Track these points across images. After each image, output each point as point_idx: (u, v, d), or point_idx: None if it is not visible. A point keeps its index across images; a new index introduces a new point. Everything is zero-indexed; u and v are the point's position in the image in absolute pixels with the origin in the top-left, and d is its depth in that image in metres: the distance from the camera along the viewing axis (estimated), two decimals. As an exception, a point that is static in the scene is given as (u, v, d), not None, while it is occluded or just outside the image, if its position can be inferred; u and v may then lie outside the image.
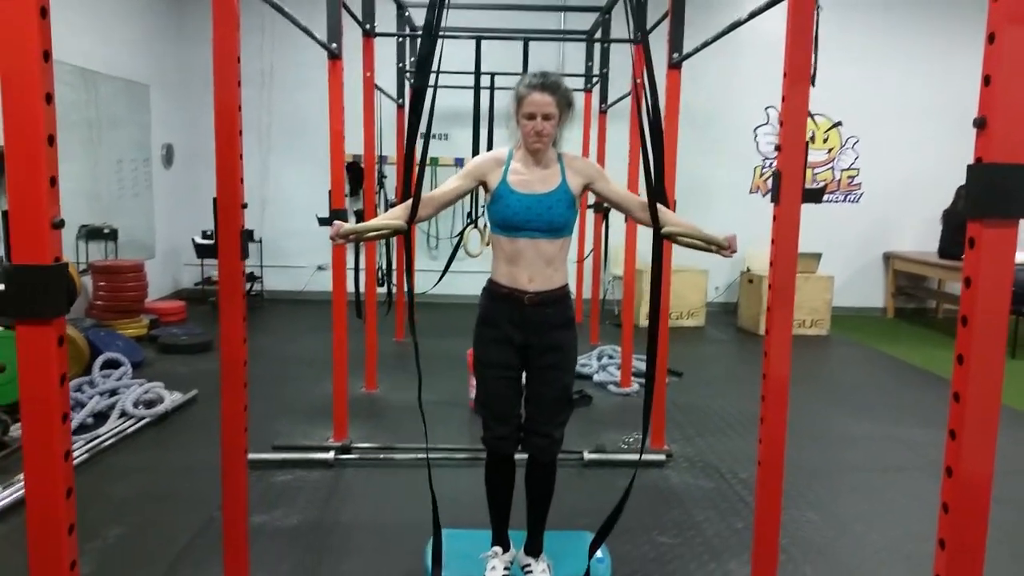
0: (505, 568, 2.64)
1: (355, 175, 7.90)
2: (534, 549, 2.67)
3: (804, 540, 3.15)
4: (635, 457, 3.90)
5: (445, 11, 2.31)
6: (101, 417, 4.23)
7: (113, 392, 4.44)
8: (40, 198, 1.43)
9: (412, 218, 2.37)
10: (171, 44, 8.26)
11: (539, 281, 2.46)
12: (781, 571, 2.57)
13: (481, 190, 2.57)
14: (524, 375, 2.58)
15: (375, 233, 2.41)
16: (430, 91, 2.40)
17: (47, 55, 1.43)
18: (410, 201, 2.38)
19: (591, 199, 6.28)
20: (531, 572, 2.63)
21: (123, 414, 4.24)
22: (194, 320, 7.22)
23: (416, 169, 2.50)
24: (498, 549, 2.67)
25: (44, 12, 1.42)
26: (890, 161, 8.72)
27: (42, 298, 1.45)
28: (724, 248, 2.34)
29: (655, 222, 2.35)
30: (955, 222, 7.93)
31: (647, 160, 2.25)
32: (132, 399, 4.30)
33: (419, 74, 2.30)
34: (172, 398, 4.51)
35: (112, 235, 6.78)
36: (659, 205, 2.35)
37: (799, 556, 3.00)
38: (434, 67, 2.35)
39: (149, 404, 4.40)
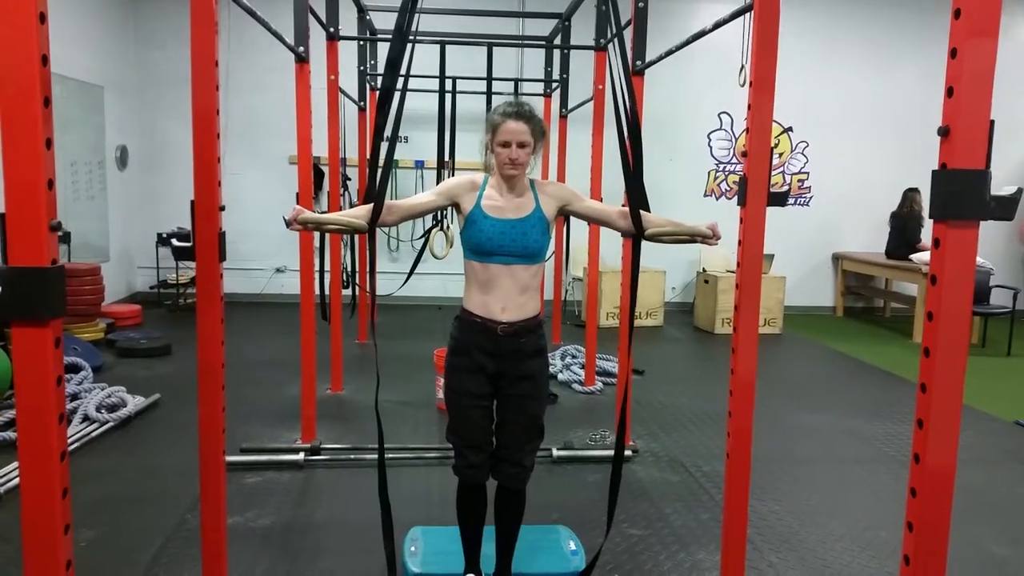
0: None
1: (315, 177, 7.86)
2: (504, 572, 2.68)
3: (769, 530, 3.26)
4: (602, 453, 3.99)
5: (417, 14, 2.33)
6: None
7: (74, 396, 4.38)
8: (38, 201, 1.45)
9: (374, 221, 2.33)
10: (126, 45, 8.14)
11: (512, 311, 2.43)
12: (748, 560, 2.67)
13: (454, 214, 2.56)
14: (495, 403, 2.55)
15: (334, 227, 2.34)
16: (398, 93, 2.39)
17: (45, 59, 1.45)
18: (367, 208, 2.34)
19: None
20: None
21: (86, 418, 4.19)
22: (151, 324, 7.13)
23: (380, 171, 2.49)
24: None
25: (43, 18, 1.44)
26: (838, 165, 8.99)
27: (39, 300, 1.46)
28: (709, 237, 2.39)
29: (638, 228, 2.40)
30: (901, 224, 8.22)
31: (627, 166, 2.31)
32: (95, 403, 4.25)
33: (388, 75, 2.28)
34: (135, 402, 4.46)
35: (65, 238, 6.65)
36: (631, 218, 2.41)
37: (764, 546, 3.11)
38: (403, 71, 2.35)
39: (112, 408, 4.34)
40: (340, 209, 5.11)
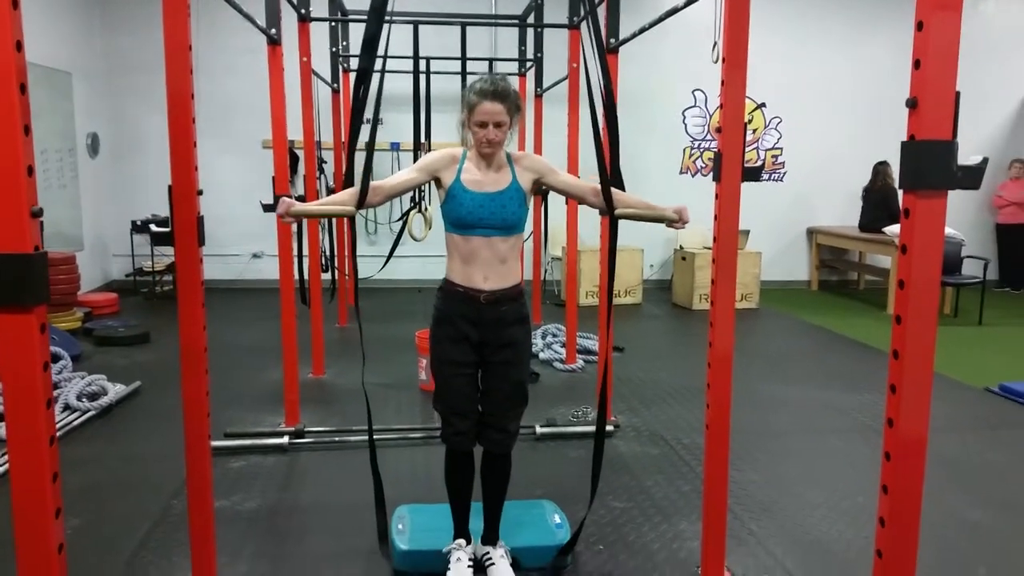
0: (469, 559, 2.70)
1: (290, 161, 7.81)
2: (491, 538, 2.74)
3: (749, 499, 3.33)
4: (584, 429, 4.04)
5: None
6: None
7: (55, 386, 4.35)
8: (19, 187, 1.44)
9: (360, 203, 2.39)
10: (94, 32, 8.01)
11: (494, 279, 2.51)
12: (729, 529, 2.73)
13: (434, 188, 2.61)
14: (480, 372, 2.61)
15: (324, 216, 2.41)
16: (376, 74, 2.41)
17: (20, 45, 1.44)
18: (358, 187, 2.40)
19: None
20: (490, 559, 2.70)
21: (67, 407, 4.17)
22: (128, 312, 7.08)
23: (365, 153, 2.51)
24: (461, 542, 2.72)
25: (15, 3, 1.43)
26: (811, 141, 9.07)
27: (24, 286, 1.46)
28: (675, 221, 2.45)
29: (610, 207, 2.45)
30: (874, 198, 8.33)
31: (599, 145, 2.35)
32: (75, 392, 4.23)
33: (364, 56, 2.28)
34: (116, 390, 4.45)
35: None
36: (613, 189, 2.45)
37: (745, 515, 3.18)
38: (380, 51, 2.36)
39: (93, 396, 4.32)
40: (317, 194, 5.09)
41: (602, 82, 2.36)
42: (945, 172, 1.44)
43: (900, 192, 1.50)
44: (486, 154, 2.51)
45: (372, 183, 2.44)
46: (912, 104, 1.45)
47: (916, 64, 1.44)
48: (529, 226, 7.06)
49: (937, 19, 1.41)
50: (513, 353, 2.58)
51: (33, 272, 1.46)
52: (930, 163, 1.44)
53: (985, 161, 1.47)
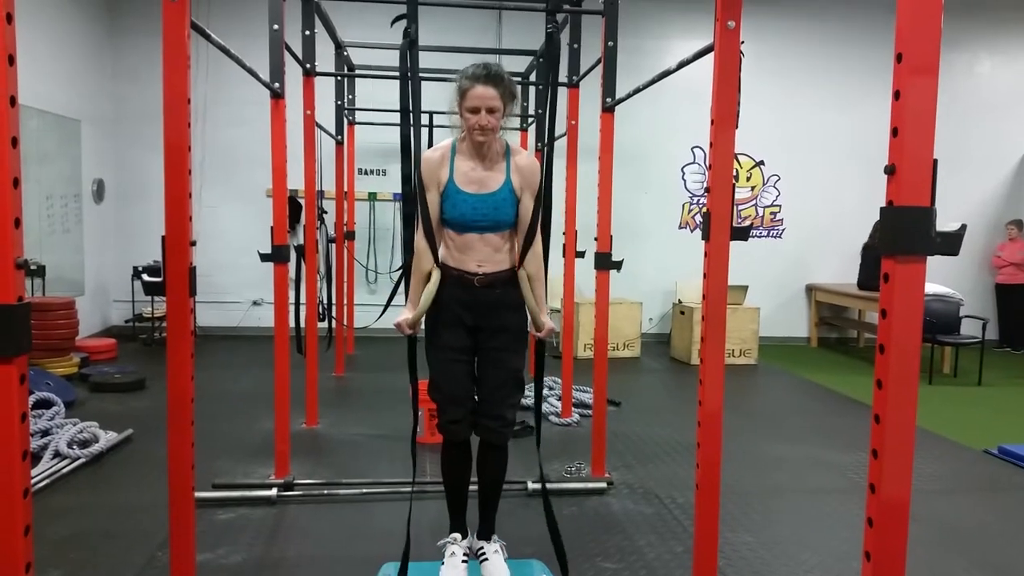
0: (464, 553, 2.67)
1: (293, 210, 7.88)
2: (486, 533, 2.73)
3: (741, 561, 3.27)
4: (578, 485, 3.99)
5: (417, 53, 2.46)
6: (34, 458, 4.11)
7: (46, 432, 4.32)
8: (5, 239, 1.46)
9: (435, 256, 2.55)
10: (103, 80, 8.16)
11: (488, 265, 2.55)
12: (720, 591, 2.68)
13: None
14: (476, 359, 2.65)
15: (429, 296, 2.54)
16: (424, 132, 2.57)
17: (13, 100, 1.47)
18: (426, 239, 2.53)
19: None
20: (484, 554, 2.68)
21: (57, 454, 4.14)
22: (126, 358, 7.07)
23: (423, 214, 2.58)
24: (456, 536, 2.71)
25: (12, 60, 1.46)
26: (810, 198, 9.14)
27: (6, 337, 1.47)
28: (538, 331, 2.62)
29: (520, 260, 2.59)
30: (873, 255, 8.35)
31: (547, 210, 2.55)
32: (66, 439, 4.20)
33: (404, 123, 2.51)
34: (107, 437, 4.42)
35: (40, 271, 6.61)
36: (530, 251, 2.58)
37: (736, 577, 3.12)
38: (413, 107, 2.55)
39: (84, 444, 4.29)
40: (316, 242, 5.12)
41: (547, 141, 2.50)
42: (923, 238, 1.45)
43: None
44: (478, 142, 2.47)
45: (431, 226, 2.55)
46: (890, 171, 1.46)
47: (894, 132, 1.46)
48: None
49: (914, 86, 1.44)
50: (509, 338, 2.60)
51: (15, 323, 1.47)
52: (908, 229, 1.45)
53: (964, 228, 1.48)
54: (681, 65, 2.95)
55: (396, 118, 6.29)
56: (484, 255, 2.54)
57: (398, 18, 2.52)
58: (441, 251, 2.60)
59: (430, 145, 5.42)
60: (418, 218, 2.51)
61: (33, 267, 6.52)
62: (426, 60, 6.79)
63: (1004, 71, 9.21)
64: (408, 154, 2.54)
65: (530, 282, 2.60)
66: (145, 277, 7.68)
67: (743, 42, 2.50)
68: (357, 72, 6.62)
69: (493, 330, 2.57)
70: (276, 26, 3.91)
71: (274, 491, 3.80)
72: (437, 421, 2.64)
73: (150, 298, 7.94)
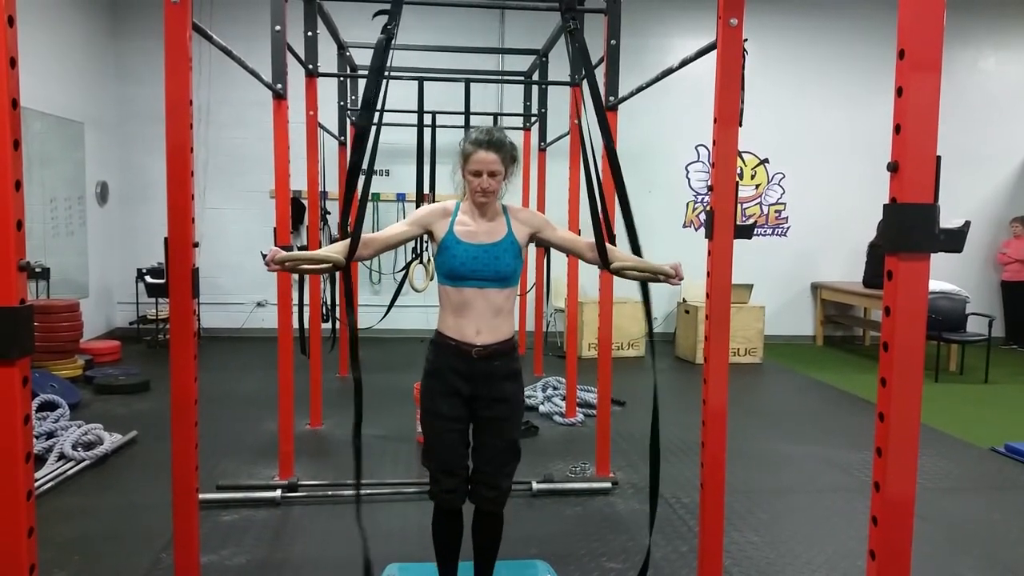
0: None
1: (296, 211, 7.89)
2: None
3: (747, 560, 3.26)
4: (583, 485, 3.99)
5: (391, 51, 2.37)
6: (39, 460, 4.12)
7: (50, 435, 4.34)
8: (7, 241, 1.46)
9: (350, 256, 2.30)
10: (106, 82, 8.18)
11: (487, 333, 2.47)
12: (725, 591, 2.67)
13: (428, 241, 2.60)
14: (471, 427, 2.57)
15: (311, 266, 2.33)
16: (373, 129, 2.41)
17: (15, 103, 1.47)
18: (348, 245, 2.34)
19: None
20: None
21: (62, 456, 4.14)
22: (130, 360, 7.09)
23: (356, 207, 2.49)
24: None
25: (13, 63, 1.46)
26: (815, 196, 9.12)
27: (8, 339, 1.47)
28: (671, 276, 2.42)
29: (605, 262, 2.44)
30: (879, 254, 8.32)
31: (593, 202, 2.35)
32: (71, 441, 4.20)
33: (363, 114, 2.26)
34: (112, 439, 4.42)
35: (44, 274, 6.63)
36: (606, 248, 2.44)
37: (741, 577, 3.12)
38: (378, 106, 2.38)
39: (88, 446, 4.30)
40: (320, 243, 5.13)
41: (605, 139, 2.38)
42: (927, 235, 1.44)
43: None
44: (480, 203, 2.50)
45: (364, 236, 2.42)
46: (893, 168, 1.45)
47: (897, 128, 1.45)
48: (532, 277, 7.12)
49: (916, 83, 1.43)
50: (506, 408, 2.53)
51: (17, 325, 1.47)
52: (912, 226, 1.44)
53: (967, 224, 1.47)
54: (684, 63, 2.94)
55: (399, 118, 6.37)
56: (483, 320, 2.46)
57: (379, 12, 2.46)
58: (439, 317, 2.55)
59: (433, 148, 5.46)
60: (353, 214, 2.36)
61: (37, 269, 6.53)
62: (429, 60, 6.84)
63: (1009, 67, 9.17)
64: (361, 146, 2.35)
65: (628, 262, 2.45)
66: (149, 279, 7.70)
67: (747, 40, 2.49)
68: (360, 73, 6.62)
69: (490, 399, 2.50)
70: (278, 27, 3.91)
71: (278, 492, 3.80)
72: (430, 489, 2.57)
73: (154, 300, 7.95)
